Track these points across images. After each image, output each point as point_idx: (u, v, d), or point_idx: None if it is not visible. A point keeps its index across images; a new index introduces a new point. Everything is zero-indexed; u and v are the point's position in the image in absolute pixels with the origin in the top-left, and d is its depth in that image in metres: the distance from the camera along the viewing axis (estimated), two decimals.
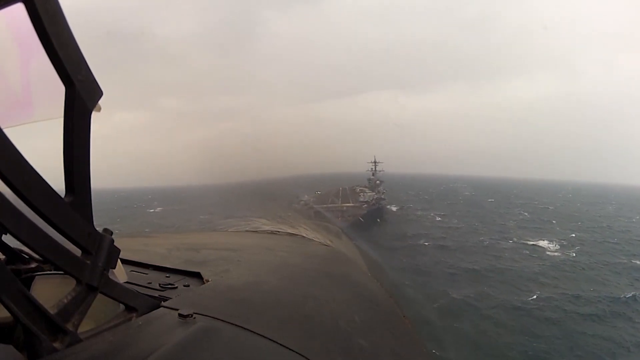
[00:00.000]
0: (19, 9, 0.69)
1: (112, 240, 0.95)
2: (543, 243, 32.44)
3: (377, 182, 66.90)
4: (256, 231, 6.70)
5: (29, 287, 1.10)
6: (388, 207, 57.31)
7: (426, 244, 32.20)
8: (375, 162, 71.32)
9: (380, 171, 70.47)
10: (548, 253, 29.56)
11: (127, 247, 1.76)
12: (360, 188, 63.86)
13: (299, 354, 1.21)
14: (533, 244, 32.22)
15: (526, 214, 58.41)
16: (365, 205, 46.68)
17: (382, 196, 59.70)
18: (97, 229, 0.92)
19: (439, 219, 50.23)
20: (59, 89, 0.79)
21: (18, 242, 0.75)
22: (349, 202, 46.18)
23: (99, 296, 0.94)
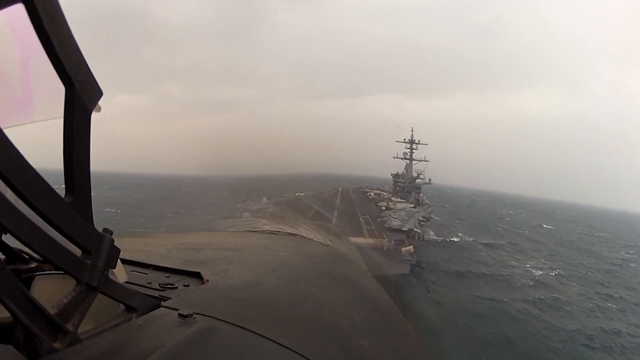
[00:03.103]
0: (19, 9, 0.69)
1: (112, 240, 0.95)
2: None
3: (419, 178, 38.39)
4: (256, 231, 6.70)
5: (29, 287, 1.10)
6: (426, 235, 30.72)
7: None
8: (412, 140, 40.78)
9: (421, 161, 40.26)
10: None
11: (127, 247, 1.76)
12: (376, 192, 37.88)
13: (299, 354, 1.21)
14: None
15: (634, 254, 41.27)
16: (408, 249, 19.89)
17: (430, 214, 31.55)
18: (97, 228, 0.92)
19: (539, 273, 27.06)
20: (59, 89, 0.79)
21: (18, 242, 0.75)
22: (363, 235, 20.92)
23: (99, 296, 0.94)
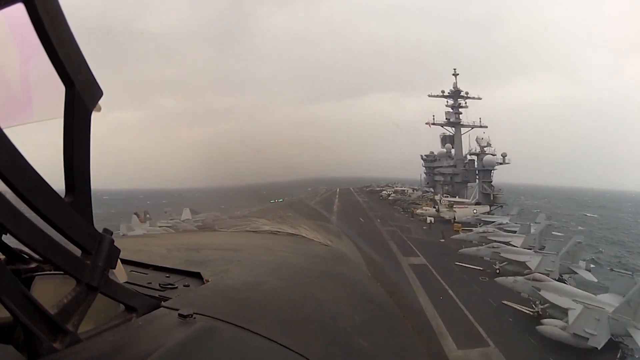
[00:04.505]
0: (19, 9, 0.69)
1: (112, 241, 0.95)
2: None
3: (486, 152, 22.81)
4: (256, 231, 6.71)
5: (29, 287, 1.10)
6: None
7: None
8: (456, 91, 24.74)
9: (472, 127, 24.06)
10: None
11: (127, 247, 1.76)
12: (397, 189, 25.58)
13: (299, 354, 1.21)
14: None
15: None
16: None
17: (543, 233, 16.30)
18: (97, 229, 0.92)
19: None
20: (59, 89, 0.79)
21: (18, 242, 0.75)
22: None
23: (99, 296, 0.94)
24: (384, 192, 29.78)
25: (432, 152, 27.36)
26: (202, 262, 2.08)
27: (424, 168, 28.77)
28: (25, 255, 1.31)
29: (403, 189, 29.22)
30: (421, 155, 28.28)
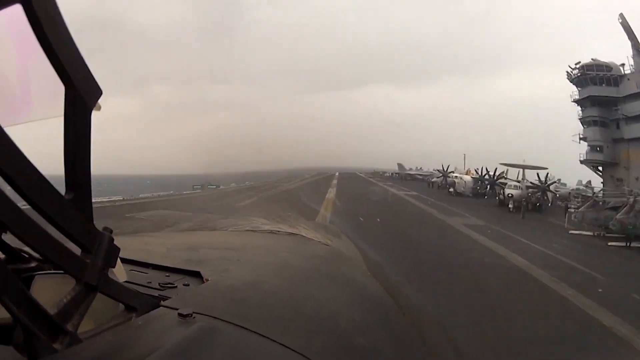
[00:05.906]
0: (18, 10, 0.69)
1: (112, 239, 0.95)
2: None
3: None
4: (256, 231, 6.70)
5: (29, 286, 1.10)
6: None
7: None
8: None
9: None
10: None
11: (127, 246, 1.76)
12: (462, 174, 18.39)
13: (299, 354, 1.21)
14: None
15: None
16: None
17: None
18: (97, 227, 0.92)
19: None
20: (59, 89, 0.79)
21: (18, 242, 0.75)
22: None
23: (99, 296, 0.94)
24: (449, 178, 17.90)
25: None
26: (201, 261, 2.08)
27: (582, 113, 16.34)
28: (25, 255, 1.31)
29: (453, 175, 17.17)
30: (571, 69, 15.35)
